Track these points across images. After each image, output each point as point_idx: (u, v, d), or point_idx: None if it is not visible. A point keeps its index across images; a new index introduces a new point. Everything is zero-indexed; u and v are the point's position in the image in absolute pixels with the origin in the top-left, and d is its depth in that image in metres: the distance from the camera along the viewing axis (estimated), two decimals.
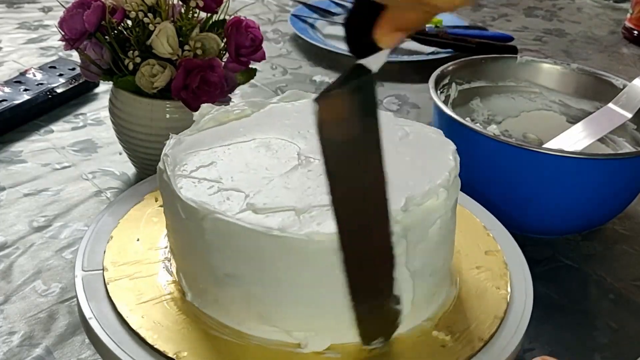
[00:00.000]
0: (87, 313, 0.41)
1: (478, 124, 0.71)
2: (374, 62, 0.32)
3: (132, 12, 0.57)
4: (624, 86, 0.68)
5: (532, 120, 0.73)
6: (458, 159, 0.44)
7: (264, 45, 0.62)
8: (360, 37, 0.32)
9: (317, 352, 0.39)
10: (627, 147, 0.67)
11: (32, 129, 0.74)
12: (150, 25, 0.56)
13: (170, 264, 0.45)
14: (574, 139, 0.66)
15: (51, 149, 0.71)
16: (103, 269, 0.44)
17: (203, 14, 0.61)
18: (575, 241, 0.63)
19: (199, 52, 0.58)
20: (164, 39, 0.56)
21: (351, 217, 0.35)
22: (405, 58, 1.00)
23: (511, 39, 1.05)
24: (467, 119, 0.68)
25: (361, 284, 0.37)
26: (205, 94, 0.57)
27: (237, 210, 0.39)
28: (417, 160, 0.44)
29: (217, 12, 0.61)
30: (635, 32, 1.17)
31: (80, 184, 0.66)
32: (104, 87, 0.82)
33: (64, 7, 0.59)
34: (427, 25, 1.06)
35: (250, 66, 0.62)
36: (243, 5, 0.74)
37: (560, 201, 0.58)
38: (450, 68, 0.69)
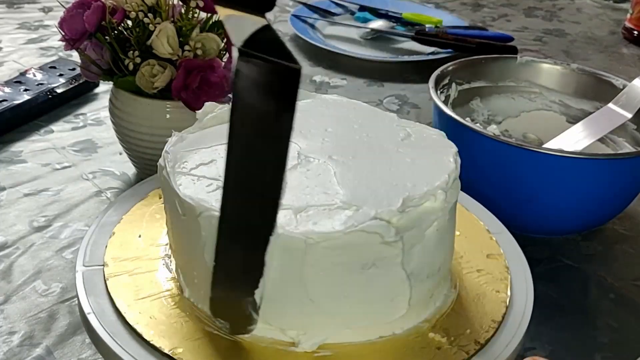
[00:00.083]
0: (86, 308, 0.41)
1: (478, 124, 0.71)
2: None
3: (132, 13, 0.57)
4: (624, 86, 0.68)
5: (532, 121, 0.73)
6: (459, 161, 0.44)
7: None
8: None
9: (310, 350, 0.39)
10: (627, 147, 0.67)
11: (32, 129, 0.74)
12: (151, 25, 0.56)
13: (170, 261, 0.45)
14: (574, 139, 0.66)
15: (51, 149, 0.71)
16: (103, 265, 0.45)
17: (203, 14, 0.61)
18: (575, 241, 0.63)
19: (199, 52, 0.58)
20: (164, 39, 0.56)
21: (238, 194, 0.33)
22: (405, 58, 1.00)
23: (511, 39, 1.05)
24: (467, 119, 0.68)
25: (226, 263, 0.36)
26: (205, 94, 0.57)
27: None
28: (417, 161, 0.44)
29: (217, 13, 0.61)
30: (635, 32, 1.17)
31: (80, 184, 0.66)
32: (104, 87, 0.82)
33: (64, 7, 0.59)
34: (427, 25, 1.06)
35: None
36: None
37: (560, 201, 0.58)
38: (450, 68, 0.69)
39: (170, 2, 0.59)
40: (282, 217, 0.38)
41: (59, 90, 0.78)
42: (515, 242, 0.50)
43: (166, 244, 0.47)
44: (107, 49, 0.59)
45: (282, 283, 0.39)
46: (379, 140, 0.46)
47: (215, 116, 0.48)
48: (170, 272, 0.45)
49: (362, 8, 1.15)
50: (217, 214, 0.38)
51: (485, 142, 0.58)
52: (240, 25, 0.31)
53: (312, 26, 1.09)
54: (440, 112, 0.61)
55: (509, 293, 0.45)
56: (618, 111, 0.67)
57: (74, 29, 0.57)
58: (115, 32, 0.59)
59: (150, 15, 0.57)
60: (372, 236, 0.38)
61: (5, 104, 0.73)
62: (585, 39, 1.19)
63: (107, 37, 0.58)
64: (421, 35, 1.02)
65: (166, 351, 0.38)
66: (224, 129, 0.47)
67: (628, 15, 1.19)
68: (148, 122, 0.60)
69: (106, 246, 0.46)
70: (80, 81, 0.80)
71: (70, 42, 0.58)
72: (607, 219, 0.64)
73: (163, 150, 0.44)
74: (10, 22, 1.04)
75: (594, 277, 0.59)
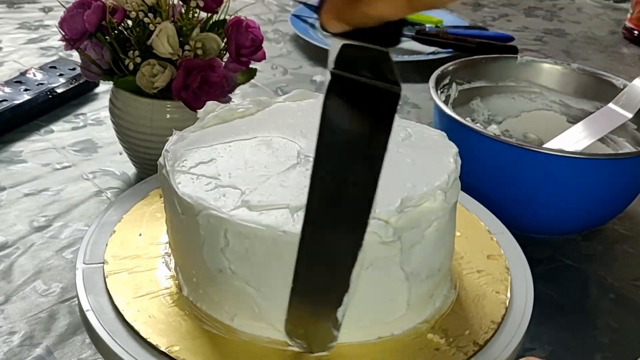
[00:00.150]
0: (85, 305, 0.42)
1: (478, 124, 0.71)
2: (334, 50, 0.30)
3: (133, 12, 0.57)
4: (624, 86, 0.68)
5: (533, 120, 0.73)
6: (459, 161, 0.44)
7: (265, 45, 0.62)
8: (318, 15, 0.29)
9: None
10: (628, 147, 0.67)
11: (32, 129, 0.74)
12: (151, 25, 0.56)
13: (170, 259, 0.46)
14: (574, 139, 0.66)
15: (51, 149, 0.71)
16: (103, 262, 0.45)
17: (203, 14, 0.61)
18: (575, 241, 0.63)
19: (199, 52, 0.58)
20: (164, 39, 0.56)
21: (323, 215, 0.33)
22: (406, 58, 1.00)
23: (511, 39, 1.05)
24: (468, 119, 0.68)
25: (306, 285, 0.35)
26: (205, 94, 0.57)
27: (231, 206, 0.39)
28: (417, 161, 0.44)
29: (217, 12, 0.61)
30: (636, 32, 1.17)
31: (80, 184, 0.66)
32: (104, 87, 0.82)
33: (64, 7, 0.59)
34: (427, 25, 1.06)
35: (250, 66, 0.62)
36: (243, 5, 0.74)
37: (560, 201, 0.58)
38: (451, 68, 0.69)
39: (171, 2, 0.59)
40: (279, 216, 0.38)
41: (59, 90, 0.78)
42: (516, 242, 0.50)
43: (166, 243, 0.47)
44: (108, 48, 0.59)
45: (278, 282, 0.39)
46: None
47: (217, 115, 0.48)
48: (170, 271, 0.45)
49: None
50: (215, 212, 0.38)
51: (486, 142, 0.58)
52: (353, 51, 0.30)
53: (313, 26, 1.09)
54: (441, 112, 0.61)
55: (508, 294, 0.45)
56: (618, 111, 0.67)
57: (74, 28, 0.57)
58: (116, 32, 0.59)
59: (150, 15, 0.57)
60: (370, 236, 0.37)
61: (6, 104, 0.73)
62: (586, 39, 1.19)
63: (107, 37, 0.58)
64: (421, 35, 1.02)
65: (163, 349, 0.39)
66: (225, 128, 0.47)
67: (628, 15, 1.19)
68: (148, 122, 0.60)
69: (106, 244, 0.46)
70: (81, 81, 0.80)
71: (71, 42, 0.58)
72: (607, 219, 0.64)
73: (163, 149, 0.44)
74: (10, 22, 1.04)
75: (594, 277, 0.59)
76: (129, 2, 0.57)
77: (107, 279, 0.43)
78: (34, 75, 0.80)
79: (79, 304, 0.42)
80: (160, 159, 0.44)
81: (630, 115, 0.66)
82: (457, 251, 0.48)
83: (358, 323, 0.40)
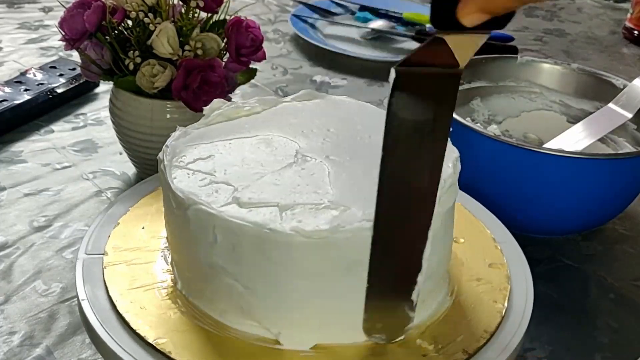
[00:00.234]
0: (81, 294, 0.42)
1: (478, 124, 0.71)
2: (461, 47, 0.32)
3: (133, 12, 0.57)
4: (624, 86, 0.68)
5: (533, 120, 0.73)
6: (459, 167, 0.43)
7: (265, 45, 0.62)
8: (445, 10, 0.31)
9: (294, 349, 0.39)
10: (628, 147, 0.67)
11: (32, 129, 0.74)
12: (151, 25, 0.56)
13: (169, 253, 0.46)
14: (574, 139, 0.66)
15: (51, 149, 0.71)
16: (104, 253, 0.45)
17: (203, 14, 0.61)
18: (575, 241, 0.63)
19: (199, 52, 0.58)
20: (164, 39, 0.56)
21: (394, 204, 0.35)
22: None
23: (511, 39, 1.05)
24: (468, 119, 0.68)
25: (381, 277, 0.37)
26: (205, 94, 0.57)
27: (222, 202, 0.39)
28: None
29: (217, 12, 0.61)
30: (636, 32, 1.17)
31: (80, 184, 0.66)
32: (105, 87, 0.82)
33: (64, 7, 0.59)
34: (427, 25, 1.06)
35: (250, 66, 0.62)
36: (243, 5, 0.74)
37: (560, 201, 0.58)
38: None
39: (171, 2, 0.59)
40: (267, 214, 0.38)
41: (59, 90, 0.78)
42: (520, 249, 0.49)
43: (166, 236, 0.47)
44: (108, 48, 0.59)
45: (265, 280, 0.39)
46: (380, 142, 0.46)
47: (222, 113, 0.48)
48: (168, 265, 0.45)
49: (363, 8, 1.15)
50: (204, 208, 0.38)
51: (486, 142, 0.58)
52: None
53: (313, 26, 1.09)
54: None
55: (506, 304, 0.44)
56: (618, 111, 0.67)
57: (74, 28, 0.57)
58: (116, 32, 0.59)
59: (150, 15, 0.57)
60: (358, 237, 0.37)
61: (6, 104, 0.73)
62: (586, 39, 1.19)
63: (107, 37, 0.58)
64: (421, 35, 1.02)
65: (150, 340, 0.39)
66: (229, 125, 0.47)
67: (628, 15, 1.19)
68: (148, 122, 0.60)
69: (109, 236, 0.47)
70: (81, 81, 0.80)
71: (71, 42, 0.58)
72: (607, 219, 0.64)
73: (164, 144, 0.45)
74: (10, 22, 1.04)
75: (594, 277, 0.59)
76: (129, 2, 0.57)
77: (104, 270, 0.44)
78: (34, 75, 0.80)
79: (77, 295, 0.42)
80: (160, 154, 0.44)
81: (630, 115, 0.66)
82: (459, 258, 0.47)
83: (345, 325, 0.40)
